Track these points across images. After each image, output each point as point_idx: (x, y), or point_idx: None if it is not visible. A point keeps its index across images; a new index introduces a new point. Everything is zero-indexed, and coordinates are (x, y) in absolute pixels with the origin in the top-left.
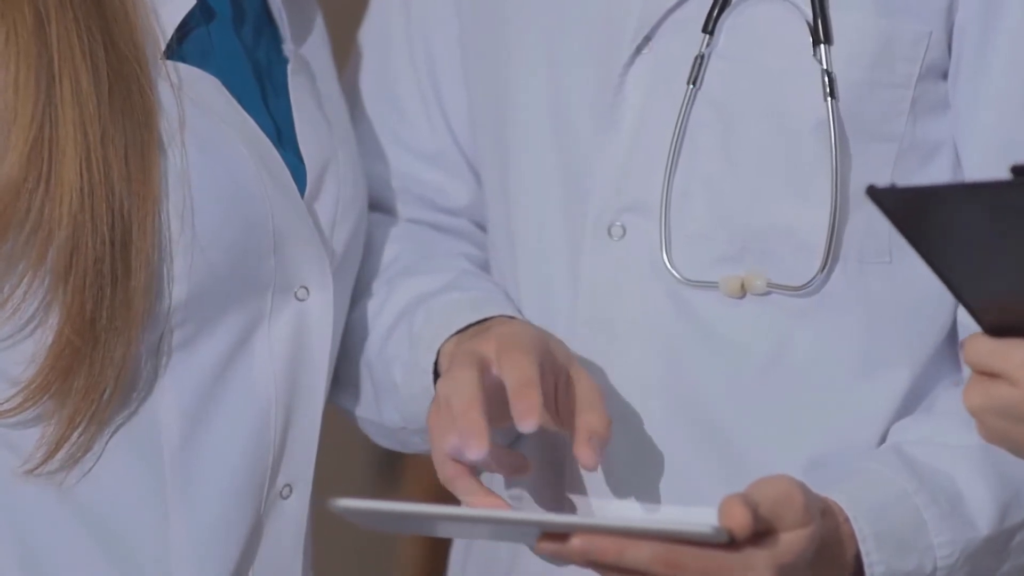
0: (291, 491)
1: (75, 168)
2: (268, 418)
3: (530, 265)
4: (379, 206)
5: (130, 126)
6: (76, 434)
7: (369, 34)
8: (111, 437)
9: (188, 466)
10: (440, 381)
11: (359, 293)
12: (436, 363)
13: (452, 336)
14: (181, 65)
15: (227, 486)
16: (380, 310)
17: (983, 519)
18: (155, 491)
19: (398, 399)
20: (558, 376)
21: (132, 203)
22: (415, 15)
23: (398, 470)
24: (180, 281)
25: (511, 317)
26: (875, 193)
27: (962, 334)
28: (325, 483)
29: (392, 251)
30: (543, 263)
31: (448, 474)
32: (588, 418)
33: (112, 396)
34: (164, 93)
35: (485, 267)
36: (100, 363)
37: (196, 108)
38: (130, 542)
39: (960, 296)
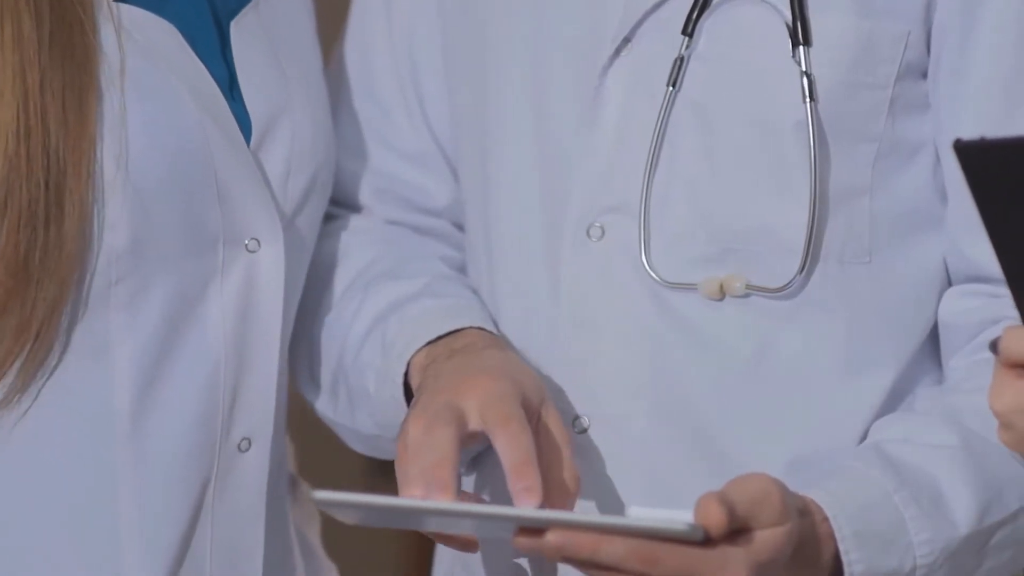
0: (250, 444)
1: (12, 112)
2: (218, 372)
3: (508, 266)
4: (359, 206)
5: (69, 70)
6: (12, 375)
7: (351, 32)
8: (55, 388)
9: (139, 421)
10: (413, 422)
11: (336, 296)
12: (407, 373)
13: (423, 347)
14: (135, 9)
15: (180, 440)
16: (356, 315)
17: (963, 518)
18: (105, 447)
19: (372, 407)
20: (530, 418)
21: (67, 146)
22: (397, 13)
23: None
24: (117, 227)
25: (481, 328)
26: (960, 146)
27: (942, 334)
28: (321, 482)
29: (370, 254)
30: (522, 264)
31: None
32: (558, 475)
33: (44, 337)
34: (108, 38)
35: (464, 269)
36: (32, 303)
37: (141, 53)
38: (78, 499)
39: (1014, 278)
